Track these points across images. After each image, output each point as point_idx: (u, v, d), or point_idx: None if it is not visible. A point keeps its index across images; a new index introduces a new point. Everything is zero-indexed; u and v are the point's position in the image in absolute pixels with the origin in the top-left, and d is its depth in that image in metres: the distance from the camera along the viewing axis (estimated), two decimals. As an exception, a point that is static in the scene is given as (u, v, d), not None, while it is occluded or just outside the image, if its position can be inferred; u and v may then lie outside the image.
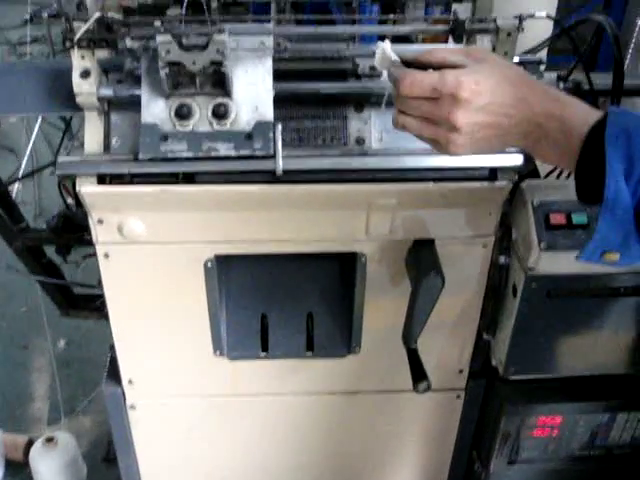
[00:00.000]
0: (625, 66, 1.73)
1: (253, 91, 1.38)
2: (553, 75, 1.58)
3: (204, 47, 1.30)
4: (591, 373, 1.68)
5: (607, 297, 1.53)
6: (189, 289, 1.56)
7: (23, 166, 1.98)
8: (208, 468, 1.93)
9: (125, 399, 1.76)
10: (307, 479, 1.96)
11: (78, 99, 1.37)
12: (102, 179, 1.40)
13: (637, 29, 2.81)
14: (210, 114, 1.37)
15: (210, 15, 1.43)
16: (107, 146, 1.42)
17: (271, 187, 1.39)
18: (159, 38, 1.29)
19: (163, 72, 1.31)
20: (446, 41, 1.60)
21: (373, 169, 1.41)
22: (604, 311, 1.55)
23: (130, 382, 1.73)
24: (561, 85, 1.52)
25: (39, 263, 1.76)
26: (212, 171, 1.38)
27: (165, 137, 1.35)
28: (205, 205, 1.43)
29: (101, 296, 1.59)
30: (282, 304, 1.68)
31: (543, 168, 1.58)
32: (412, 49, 1.17)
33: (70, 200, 1.60)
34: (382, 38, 1.59)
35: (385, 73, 1.19)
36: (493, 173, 1.44)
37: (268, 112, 1.38)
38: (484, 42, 1.48)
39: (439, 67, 1.06)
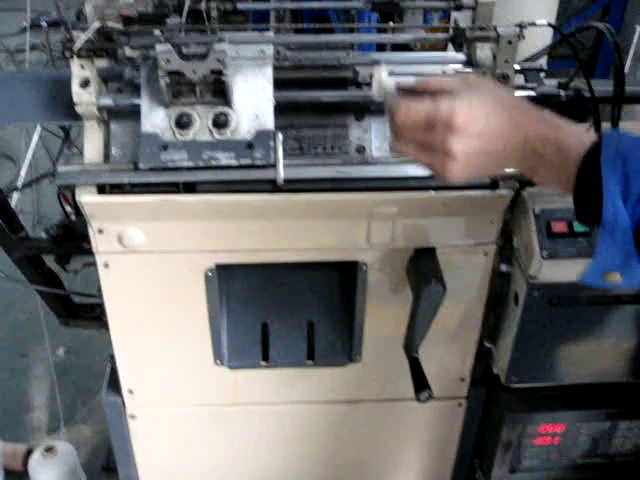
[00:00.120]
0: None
1: (253, 100, 1.38)
2: (553, 82, 1.58)
3: (204, 56, 1.30)
4: (593, 381, 1.67)
5: (609, 305, 1.52)
6: (189, 298, 1.56)
7: (23, 175, 1.97)
8: (208, 477, 1.92)
9: (125, 409, 1.75)
10: (308, 488, 1.96)
11: (78, 108, 1.37)
12: (102, 189, 1.40)
13: (636, 35, 2.81)
14: (210, 123, 1.36)
15: (210, 24, 1.42)
16: (107, 156, 1.42)
17: (272, 196, 1.39)
18: (159, 47, 1.28)
19: (163, 81, 1.31)
20: (445, 48, 1.60)
21: (374, 178, 1.40)
22: (606, 319, 1.55)
23: (130, 392, 1.72)
24: (562, 92, 1.51)
25: (38, 272, 1.75)
26: (212, 180, 1.38)
27: (165, 146, 1.35)
28: (205, 214, 1.43)
29: (101, 305, 1.59)
30: (283, 313, 1.68)
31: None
32: (409, 79, 1.17)
33: (69, 209, 1.60)
34: (382, 46, 1.59)
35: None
36: (494, 181, 1.44)
37: (268, 121, 1.37)
38: (485, 50, 1.49)
39: (435, 94, 1.07)
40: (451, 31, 1.43)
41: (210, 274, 1.52)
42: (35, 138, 2.05)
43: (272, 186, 1.38)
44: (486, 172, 1.09)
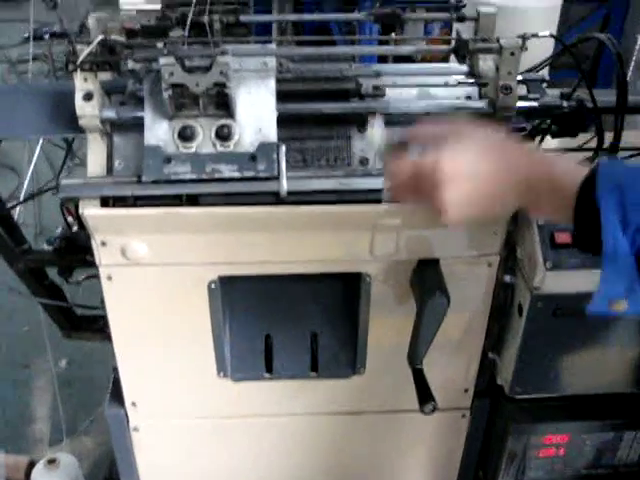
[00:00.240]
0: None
1: (256, 112, 1.38)
2: (556, 92, 1.58)
3: (207, 69, 1.30)
4: (597, 392, 1.67)
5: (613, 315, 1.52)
6: (193, 310, 1.56)
7: (25, 186, 1.97)
8: (212, 490, 1.91)
9: (128, 421, 1.75)
10: (312, 499, 1.95)
11: (81, 121, 1.37)
12: (105, 201, 1.39)
13: (637, 46, 2.81)
14: (213, 135, 1.37)
15: (213, 37, 1.43)
16: (110, 168, 1.41)
17: (275, 209, 1.39)
18: (162, 60, 1.29)
19: (166, 94, 1.31)
20: (446, 58, 1.60)
21: (377, 189, 1.40)
22: (610, 329, 1.55)
23: (133, 404, 1.71)
24: (565, 103, 1.51)
25: (41, 285, 1.75)
26: (216, 193, 1.37)
27: (169, 159, 1.35)
28: (209, 227, 1.43)
29: (104, 317, 1.58)
30: (286, 324, 1.68)
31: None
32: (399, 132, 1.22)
33: (71, 219, 1.60)
34: (384, 57, 1.60)
35: None
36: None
37: (272, 133, 1.37)
38: (487, 61, 1.49)
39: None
40: (454, 43, 1.43)
41: (213, 286, 1.52)
42: (37, 150, 2.05)
43: (275, 198, 1.37)
44: (484, 214, 1.11)
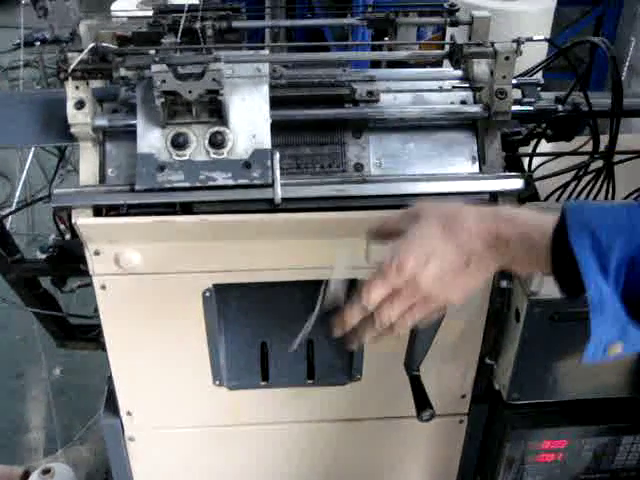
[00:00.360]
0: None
1: (250, 119, 1.37)
2: (550, 95, 1.57)
3: (200, 76, 1.29)
4: (595, 396, 1.66)
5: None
6: (187, 319, 1.54)
7: (18, 193, 1.95)
8: (208, 499, 1.90)
9: (123, 431, 1.73)
10: (309, 507, 1.94)
11: (73, 130, 1.36)
12: (98, 210, 1.38)
13: (632, 48, 2.81)
14: (207, 143, 1.36)
15: (205, 43, 1.41)
16: (103, 177, 1.40)
17: (270, 216, 1.37)
18: (154, 68, 1.28)
19: (159, 102, 1.30)
20: (440, 63, 1.59)
21: (372, 196, 1.39)
22: (608, 334, 1.54)
23: (129, 414, 1.70)
24: (560, 107, 1.50)
25: (34, 294, 1.74)
26: (210, 200, 1.36)
27: (162, 167, 1.34)
28: (203, 235, 1.41)
29: (98, 326, 1.57)
30: (282, 332, 1.65)
31: (543, 191, 1.57)
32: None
33: (64, 228, 1.59)
34: (378, 63, 1.59)
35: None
36: (494, 197, 1.43)
37: (265, 140, 1.36)
38: (481, 66, 1.48)
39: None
40: (448, 47, 1.42)
41: (208, 294, 1.51)
42: (30, 157, 2.04)
43: (270, 205, 1.36)
44: (472, 285, 1.09)
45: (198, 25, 1.41)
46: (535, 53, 1.66)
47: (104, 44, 1.34)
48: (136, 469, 1.80)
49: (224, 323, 1.61)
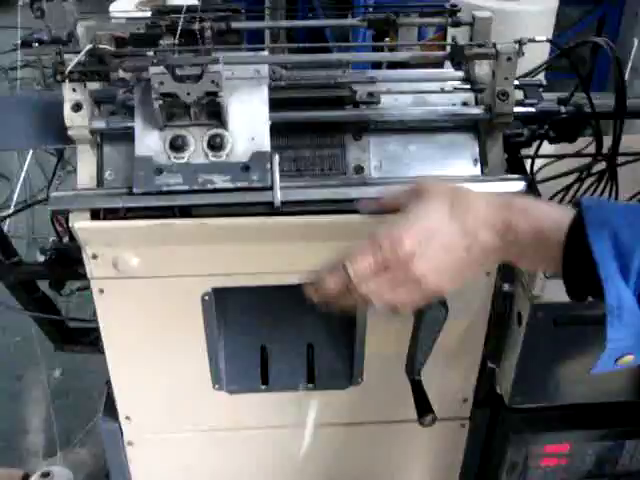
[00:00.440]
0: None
1: (249, 121, 1.36)
2: (552, 96, 1.56)
3: (198, 78, 1.28)
4: (598, 400, 1.64)
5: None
6: (186, 323, 1.53)
7: (16, 194, 1.94)
8: (208, 503, 1.89)
9: (122, 435, 1.72)
10: (310, 512, 1.92)
11: (70, 132, 1.35)
12: (96, 213, 1.37)
13: (634, 48, 2.79)
14: (205, 145, 1.34)
15: (204, 44, 1.40)
16: (100, 179, 1.39)
17: (269, 219, 1.36)
18: (152, 69, 1.26)
19: (157, 104, 1.28)
20: (442, 64, 1.58)
21: (373, 198, 1.38)
22: (611, 338, 1.52)
23: (127, 418, 1.68)
24: (562, 109, 1.49)
25: (32, 298, 1.72)
26: (208, 204, 1.35)
27: (160, 170, 1.32)
28: (202, 238, 1.40)
29: (96, 330, 1.56)
30: (282, 336, 1.65)
31: (546, 193, 1.55)
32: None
33: (62, 231, 1.57)
34: (379, 64, 1.57)
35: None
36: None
37: (265, 142, 1.35)
38: (483, 66, 1.47)
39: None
40: (449, 49, 1.41)
41: (207, 298, 1.49)
42: (29, 157, 2.03)
43: (269, 208, 1.35)
44: (468, 274, 1.03)
45: (197, 26, 1.39)
46: (537, 54, 1.64)
47: (101, 46, 1.32)
48: (135, 473, 1.79)
49: (224, 327, 1.60)
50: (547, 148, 1.59)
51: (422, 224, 0.99)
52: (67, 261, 1.61)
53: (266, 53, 1.44)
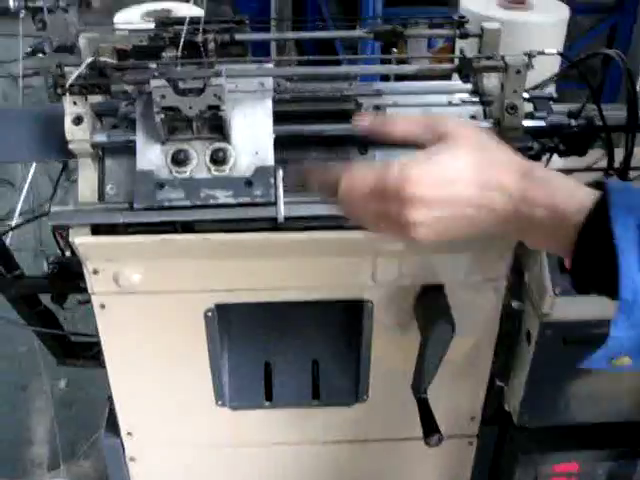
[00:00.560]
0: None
1: (253, 135, 1.33)
2: (562, 107, 1.52)
3: (201, 91, 1.25)
4: (609, 420, 1.61)
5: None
6: (189, 339, 1.50)
7: (19, 206, 1.91)
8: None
9: (124, 451, 1.70)
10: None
11: (71, 146, 1.32)
12: (96, 228, 1.35)
13: (646, 58, 2.76)
14: (208, 160, 1.32)
15: (207, 57, 1.38)
16: (102, 193, 1.37)
17: (273, 235, 1.33)
18: (153, 83, 1.24)
19: (158, 117, 1.26)
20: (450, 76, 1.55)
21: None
22: (622, 356, 1.49)
23: (129, 434, 1.66)
24: (573, 122, 1.46)
25: (34, 312, 1.70)
26: (211, 219, 1.32)
27: (161, 185, 1.30)
28: (204, 254, 1.37)
29: (98, 344, 1.54)
30: (286, 351, 1.62)
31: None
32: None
33: (64, 243, 1.55)
34: (387, 77, 1.55)
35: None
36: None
37: (268, 157, 1.32)
38: (492, 79, 1.44)
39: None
40: (457, 61, 1.38)
41: (210, 314, 1.47)
42: (33, 167, 2.01)
43: (273, 224, 1.32)
44: (461, 236, 0.93)
45: (200, 38, 1.37)
46: (548, 65, 1.61)
47: (103, 58, 1.30)
48: (137, 489, 1.77)
49: (227, 342, 1.58)
50: (557, 161, 1.56)
51: (442, 173, 0.88)
52: (69, 275, 1.59)
53: (271, 65, 1.42)
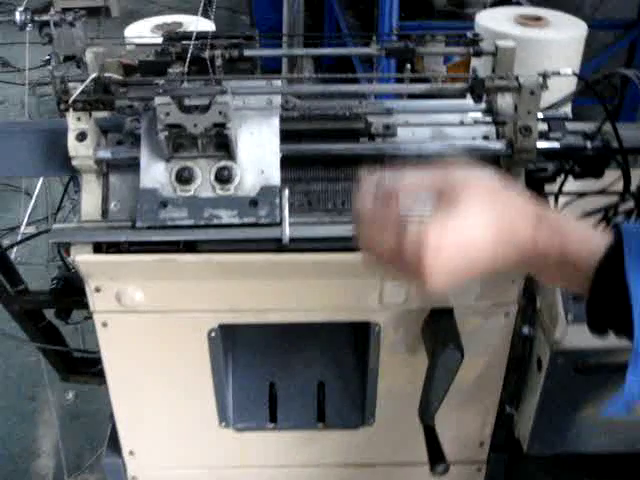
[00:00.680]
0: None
1: (259, 153, 1.31)
2: (580, 127, 1.48)
3: (206, 108, 1.23)
4: (620, 450, 1.56)
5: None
6: (192, 359, 1.48)
7: (27, 217, 1.90)
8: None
9: (126, 470, 1.67)
10: None
11: (74, 162, 1.31)
12: (99, 246, 1.32)
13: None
14: (213, 178, 1.29)
15: (215, 73, 1.35)
16: (105, 210, 1.34)
17: (277, 256, 1.30)
18: (158, 100, 1.22)
19: (162, 135, 1.24)
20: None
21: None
22: (636, 385, 1.44)
23: (131, 453, 1.64)
24: (588, 144, 1.42)
25: (37, 327, 1.68)
26: (214, 239, 1.30)
27: (164, 203, 1.28)
28: (207, 274, 1.35)
29: (101, 360, 1.51)
30: (291, 372, 1.59)
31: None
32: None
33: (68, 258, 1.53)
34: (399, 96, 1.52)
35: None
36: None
37: (274, 176, 1.30)
38: (506, 98, 1.41)
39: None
40: (470, 81, 1.34)
41: (213, 334, 1.44)
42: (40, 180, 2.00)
43: (278, 245, 1.29)
44: (475, 277, 0.92)
45: (207, 53, 1.35)
46: (564, 83, 1.58)
47: (107, 74, 1.28)
48: (139, 509, 1.74)
49: (231, 363, 1.55)
50: (572, 183, 1.52)
51: (459, 237, 0.87)
52: (73, 290, 1.57)
53: (279, 82, 1.39)
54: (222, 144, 1.28)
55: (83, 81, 1.25)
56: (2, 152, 1.40)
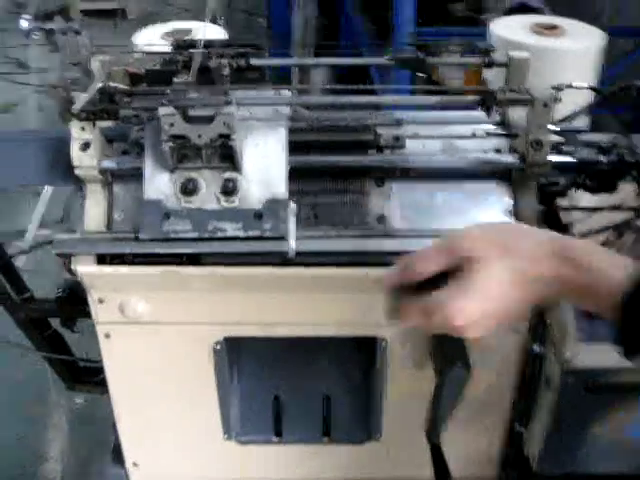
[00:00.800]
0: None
1: (265, 165, 1.29)
2: (595, 138, 1.45)
3: (210, 119, 1.21)
4: (633, 472, 1.52)
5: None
6: (196, 371, 1.46)
7: (33, 233, 1.88)
8: None
9: (130, 481, 1.66)
10: None
11: (77, 172, 1.29)
12: (102, 257, 1.30)
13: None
14: (218, 190, 1.27)
15: (222, 82, 1.33)
16: (109, 221, 1.33)
17: (282, 270, 1.28)
18: (162, 110, 1.20)
19: (167, 146, 1.22)
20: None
21: (395, 252, 1.29)
22: (648, 405, 1.41)
23: (134, 464, 1.62)
24: (603, 158, 1.39)
25: (43, 336, 1.67)
26: (217, 252, 1.27)
27: (168, 215, 1.26)
28: (209, 286, 1.33)
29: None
30: (297, 386, 1.57)
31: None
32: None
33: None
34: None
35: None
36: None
37: (281, 189, 1.27)
38: (518, 110, 1.38)
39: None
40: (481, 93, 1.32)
41: (218, 347, 1.42)
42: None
43: (283, 258, 1.27)
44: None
45: (213, 62, 1.33)
46: (579, 95, 1.55)
47: (112, 84, 1.27)
48: (142, 520, 1.72)
49: (236, 376, 1.53)
50: (585, 197, 1.49)
51: (482, 302, 0.92)
52: (78, 299, 1.55)
53: (287, 92, 1.36)
54: (227, 155, 1.26)
55: (87, 90, 1.23)
56: (9, 162, 1.39)
